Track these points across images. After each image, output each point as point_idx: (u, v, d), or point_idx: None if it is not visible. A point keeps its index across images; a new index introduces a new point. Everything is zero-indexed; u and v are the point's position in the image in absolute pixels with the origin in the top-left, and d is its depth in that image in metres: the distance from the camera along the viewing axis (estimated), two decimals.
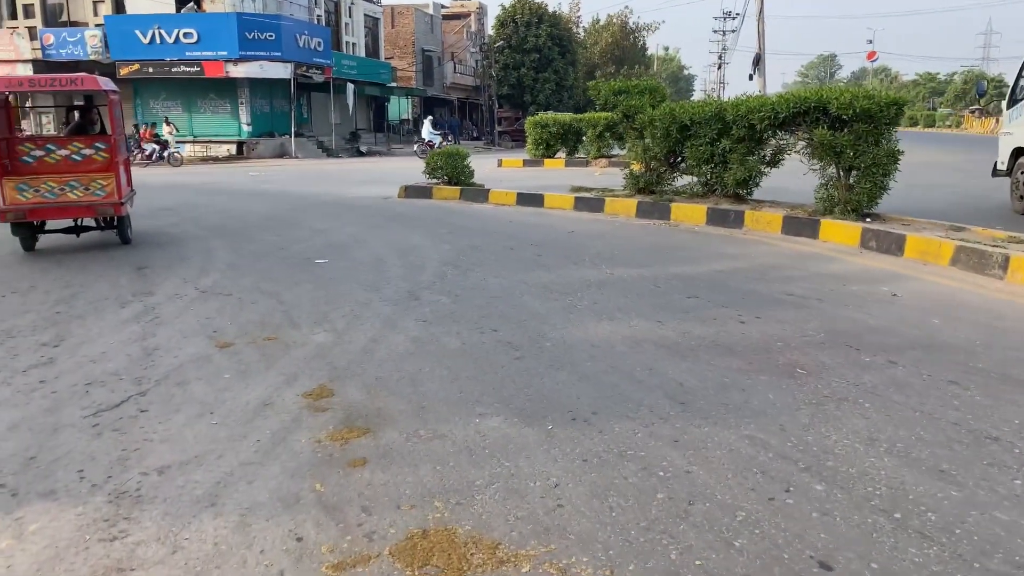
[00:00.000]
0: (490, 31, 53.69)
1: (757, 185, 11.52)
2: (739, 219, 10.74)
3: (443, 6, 61.71)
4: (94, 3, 35.09)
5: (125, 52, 32.89)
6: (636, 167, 13.16)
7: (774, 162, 11.21)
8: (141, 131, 31.13)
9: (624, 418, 4.13)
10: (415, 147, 34.97)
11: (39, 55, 33.59)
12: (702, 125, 11.32)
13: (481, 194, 14.51)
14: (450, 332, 5.84)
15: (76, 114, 10.64)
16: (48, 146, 9.82)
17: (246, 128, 34.78)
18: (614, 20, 67.41)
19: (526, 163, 24.41)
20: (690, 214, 11.36)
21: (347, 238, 10.47)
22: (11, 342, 5.74)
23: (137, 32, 32.73)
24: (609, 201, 12.63)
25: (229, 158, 33.56)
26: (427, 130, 32.53)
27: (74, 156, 9.86)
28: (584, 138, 24.17)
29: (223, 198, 15.80)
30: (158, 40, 32.72)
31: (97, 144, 9.90)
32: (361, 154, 37.46)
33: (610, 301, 6.74)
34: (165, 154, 29.61)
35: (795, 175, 11.54)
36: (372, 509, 3.23)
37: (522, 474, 3.52)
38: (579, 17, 66.31)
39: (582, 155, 24.38)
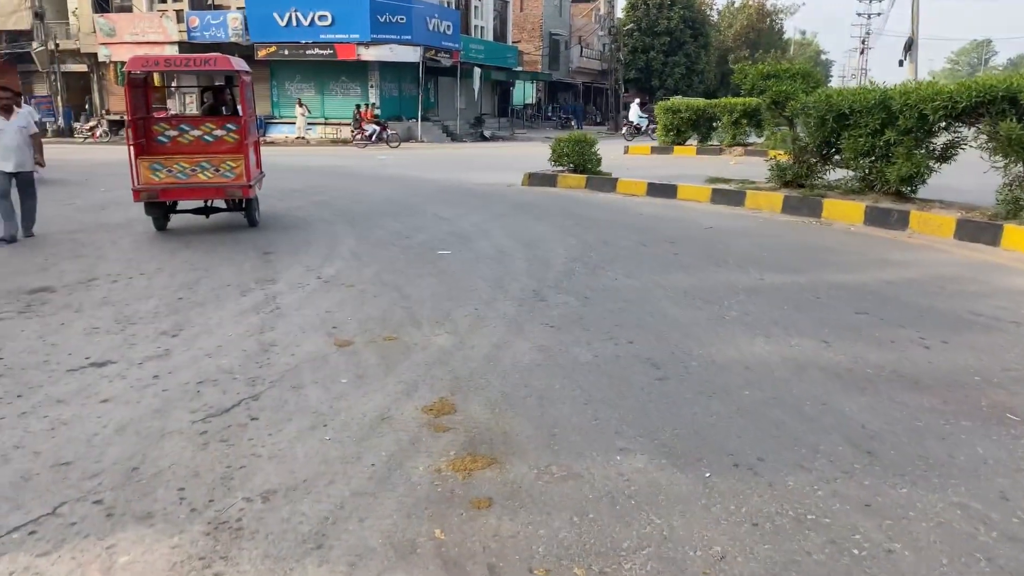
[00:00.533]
0: (620, 14, 52.42)
1: (924, 182, 10.31)
2: (903, 220, 9.60)
3: None
4: None
5: (263, 34, 33.95)
6: (782, 157, 12.12)
7: (945, 157, 9.98)
8: (361, 111, 32.07)
9: (797, 468, 3.45)
10: (623, 130, 34.43)
11: (184, 37, 35.15)
12: (863, 114, 10.20)
13: (608, 183, 13.83)
14: (580, 341, 5.27)
15: (210, 95, 10.72)
16: (182, 126, 9.89)
17: (375, 111, 35.26)
18: (750, 2, 64.54)
19: (654, 150, 23.44)
20: (845, 212, 10.29)
21: (470, 227, 10.07)
22: (132, 328, 5.61)
23: (275, 15, 33.68)
24: (751, 194, 11.68)
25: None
26: (635, 112, 32.09)
27: (206, 137, 9.90)
28: (718, 125, 22.95)
29: (350, 181, 15.82)
30: (294, 23, 33.57)
31: (228, 125, 9.90)
32: (485, 139, 37.36)
33: (763, 313, 5.97)
34: (385, 135, 30.20)
35: (964, 172, 10.24)
36: (499, 569, 2.72)
37: (677, 537, 2.92)
38: (713, 1, 63.84)
39: (715, 143, 23.17)
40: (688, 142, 23.48)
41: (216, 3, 36.93)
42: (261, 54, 34.21)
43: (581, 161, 14.37)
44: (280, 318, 5.86)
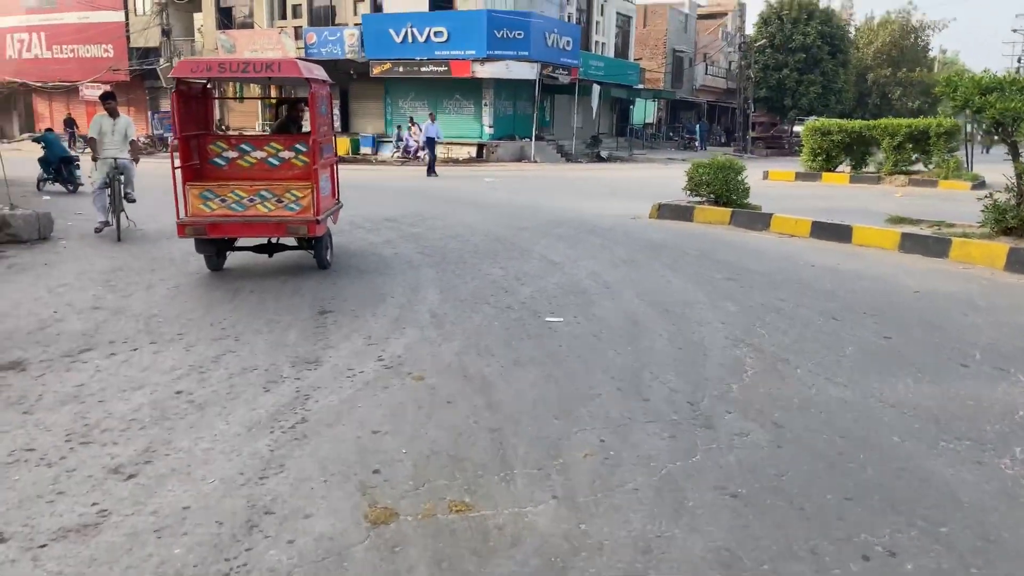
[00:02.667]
0: (750, 29, 49.16)
1: None
2: None
3: (699, 5, 58.00)
4: (355, 2, 35.78)
5: (379, 51, 33.03)
6: (1000, 196, 9.30)
7: None
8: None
9: None
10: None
11: (302, 54, 34.72)
12: None
13: (759, 219, 11.31)
14: (793, 537, 2.96)
15: (285, 109, 8.97)
16: (243, 146, 8.16)
17: (488, 130, 33.71)
18: (892, 17, 59.59)
19: (799, 176, 20.53)
20: None
21: (588, 279, 7.85)
22: (79, 455, 3.70)
23: (391, 31, 32.71)
24: (958, 243, 8.92)
25: (468, 160, 32.60)
26: None
27: (270, 160, 8.14)
28: (876, 150, 19.87)
29: (451, 208, 13.93)
30: (410, 39, 32.47)
31: (297, 146, 8.10)
32: (602, 160, 35.06)
33: None
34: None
35: None
36: None
37: None
38: (851, 15, 59.42)
39: (871, 170, 20.08)
40: (839, 168, 20.46)
41: (336, 20, 36.48)
42: (376, 71, 33.34)
43: (724, 191, 11.91)
44: (300, 446, 3.82)
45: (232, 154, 8.08)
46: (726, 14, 61.37)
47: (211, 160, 8.04)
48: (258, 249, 8.17)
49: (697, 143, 46.56)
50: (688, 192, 12.38)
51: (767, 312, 6.55)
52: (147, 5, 40.05)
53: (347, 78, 36.53)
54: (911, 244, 9.34)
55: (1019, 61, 72.57)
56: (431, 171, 23.06)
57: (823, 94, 47.56)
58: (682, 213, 12.16)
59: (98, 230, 10.43)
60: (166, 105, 41.67)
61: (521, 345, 5.55)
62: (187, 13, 39.74)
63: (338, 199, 8.78)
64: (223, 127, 39.63)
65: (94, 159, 10.52)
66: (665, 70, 50.72)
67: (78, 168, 16.82)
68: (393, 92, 35.54)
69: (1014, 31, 70.23)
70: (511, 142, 33.91)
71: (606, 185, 19.98)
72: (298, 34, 35.37)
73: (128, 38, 39.59)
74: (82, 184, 16.77)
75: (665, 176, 23.40)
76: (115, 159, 10.37)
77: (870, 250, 9.65)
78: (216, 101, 8.27)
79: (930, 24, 60.15)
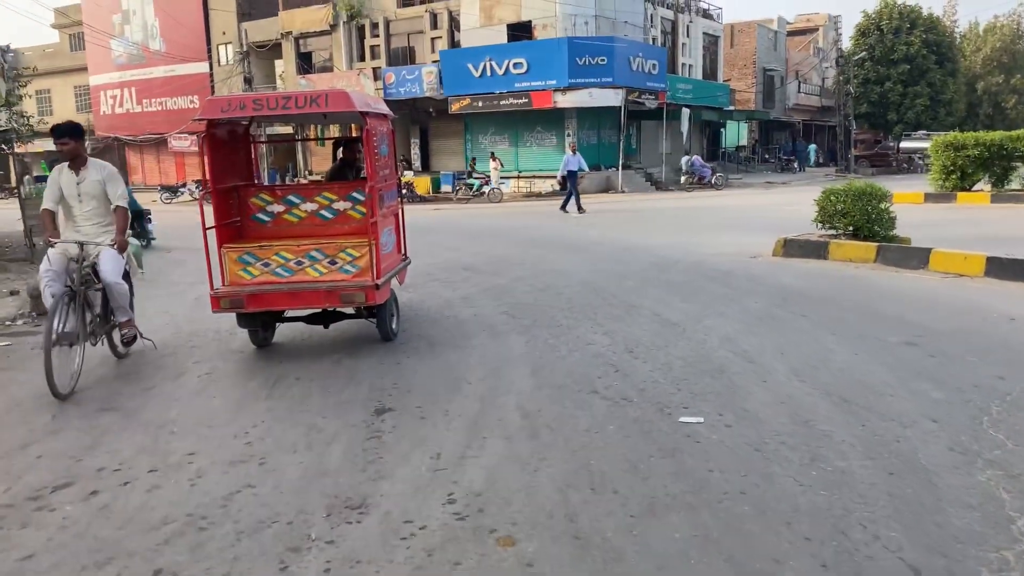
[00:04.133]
0: (847, 42, 46.32)
1: None
2: None
3: (788, 21, 55.43)
4: (431, 40, 35.14)
5: (457, 87, 32.13)
6: None
7: None
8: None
9: None
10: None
11: (381, 94, 34.22)
12: None
13: (913, 256, 9.30)
14: None
15: (341, 151, 7.62)
16: (290, 198, 6.79)
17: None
18: (1001, 22, 55.42)
19: (928, 198, 18.12)
20: None
21: (721, 347, 6.11)
22: None
23: (469, 65, 31.78)
24: None
25: (552, 194, 31.12)
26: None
27: (323, 212, 6.76)
28: (1020, 164, 17.33)
29: (538, 251, 12.39)
30: (488, 73, 31.44)
31: (354, 194, 6.69)
32: (705, 185, 32.97)
33: None
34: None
35: None
36: None
37: None
38: (955, 21, 55.57)
39: (1016, 187, 17.53)
40: (976, 187, 17.97)
41: (414, 59, 35.95)
42: (455, 107, 32.46)
43: (865, 222, 9.94)
44: None
45: (277, 208, 6.73)
46: (817, 29, 58.50)
47: (253, 216, 6.72)
48: (312, 320, 6.75)
49: (796, 164, 43.84)
50: (819, 224, 10.45)
51: (989, 399, 4.67)
52: (230, 55, 40.59)
53: (427, 116, 35.85)
54: None
55: None
56: (578, 207, 19.71)
57: (931, 106, 44.22)
58: (814, 250, 10.23)
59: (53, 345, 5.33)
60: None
61: (652, 469, 3.88)
62: (268, 61, 40.07)
63: (405, 254, 7.34)
64: (307, 172, 39.48)
65: (46, 244, 6.21)
66: (755, 90, 48.30)
67: (150, 222, 16.16)
68: (473, 128, 34.59)
69: None
70: (596, 172, 32.26)
71: (708, 216, 18.07)
72: (377, 75, 34.96)
73: (212, 88, 40.09)
74: (155, 239, 16.07)
75: (771, 203, 21.33)
76: (80, 244, 5.86)
77: None
78: (260, 146, 6.89)
79: None
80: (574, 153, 21.08)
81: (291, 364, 6.19)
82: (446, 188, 33.93)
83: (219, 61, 41.09)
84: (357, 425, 4.69)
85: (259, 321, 6.53)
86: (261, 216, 6.72)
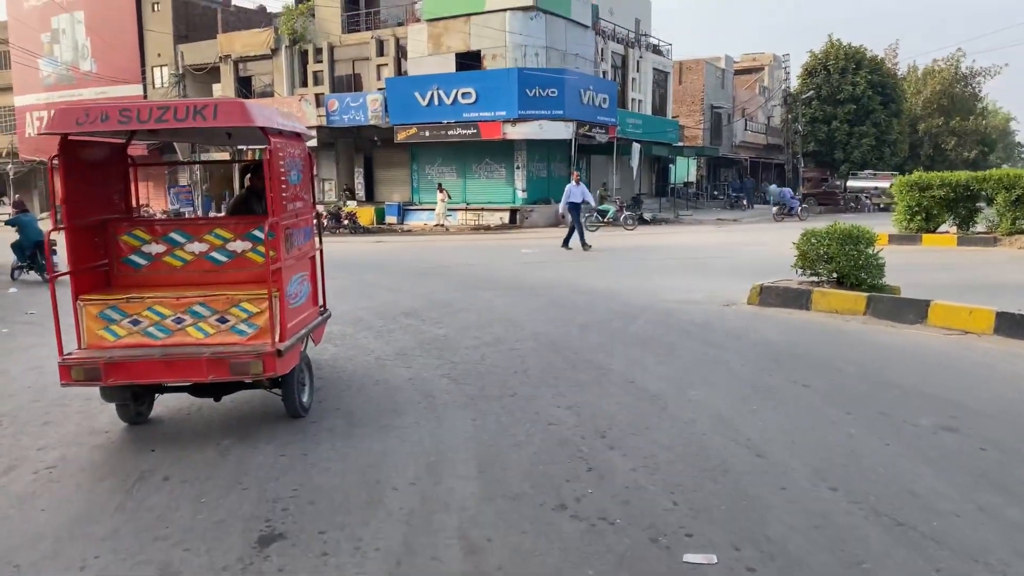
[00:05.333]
0: (795, 81, 46.59)
1: None
2: None
3: (735, 60, 55.92)
4: (378, 67, 33.93)
5: (404, 116, 30.89)
6: None
7: None
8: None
9: None
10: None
11: (324, 121, 32.82)
12: None
13: (909, 308, 8.28)
14: None
15: (248, 178, 6.23)
16: (173, 235, 5.36)
17: (521, 194, 31.18)
18: (940, 65, 56.80)
19: (892, 239, 17.39)
20: None
21: (716, 431, 4.88)
22: None
23: (416, 94, 30.60)
24: None
25: (501, 227, 30.01)
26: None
27: (214, 255, 5.35)
28: (983, 205, 16.78)
29: (488, 294, 11.08)
30: (436, 102, 30.30)
31: (256, 232, 5.31)
32: (645, 223, 32.18)
33: None
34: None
35: None
36: None
37: None
38: (896, 63, 56.69)
39: (981, 230, 16.95)
40: (940, 228, 17.34)
41: (358, 85, 34.67)
42: (401, 136, 31.19)
43: (852, 268, 8.91)
44: None
45: (156, 248, 5.29)
46: (762, 68, 59.16)
47: (125, 259, 5.27)
48: (198, 391, 5.31)
49: (745, 201, 43.59)
50: (800, 270, 9.39)
51: None
52: (166, 77, 38.73)
53: (371, 145, 34.50)
54: None
55: None
56: (579, 243, 17.83)
57: (876, 146, 44.63)
58: (795, 299, 9.16)
59: None
60: (184, 179, 40.02)
61: None
62: (206, 84, 38.33)
63: (324, 306, 5.96)
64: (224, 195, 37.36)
65: None
66: (703, 126, 48.31)
67: (55, 253, 14.40)
68: (419, 158, 33.34)
69: None
70: (546, 206, 31.29)
71: (666, 255, 17.04)
72: (320, 101, 33.53)
73: None
74: (62, 271, 14.32)
75: (728, 242, 20.49)
76: None
77: None
78: (136, 170, 5.48)
79: (981, 71, 57.18)
80: (577, 183, 18.70)
81: (164, 453, 4.73)
82: (391, 219, 32.55)
83: (153, 84, 39.19)
84: (230, 568, 3.29)
85: (128, 393, 5.07)
86: (135, 259, 5.28)
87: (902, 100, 48.14)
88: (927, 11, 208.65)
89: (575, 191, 18.45)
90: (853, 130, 44.11)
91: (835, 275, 9.12)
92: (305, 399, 5.36)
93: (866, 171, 42.77)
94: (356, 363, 6.94)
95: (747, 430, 4.88)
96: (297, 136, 5.44)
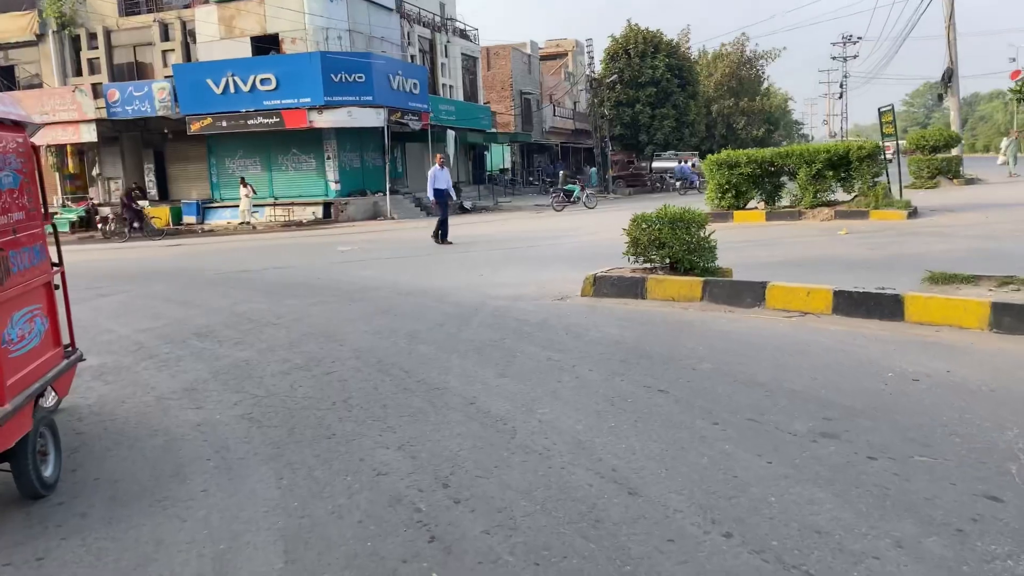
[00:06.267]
0: (598, 66, 47.75)
1: None
2: None
3: (539, 46, 56.67)
4: (163, 53, 30.85)
5: (196, 105, 28.19)
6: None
7: None
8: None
9: None
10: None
11: (104, 114, 29.37)
12: None
13: (745, 292, 8.02)
14: None
15: None
16: None
17: (334, 187, 29.54)
18: (727, 48, 60.73)
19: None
20: None
21: (576, 461, 4.12)
22: None
23: (208, 81, 28.01)
24: None
25: (315, 222, 28.22)
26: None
27: None
28: (790, 181, 17.51)
29: (297, 303, 9.82)
30: (232, 89, 27.90)
31: None
32: (465, 211, 31.57)
33: None
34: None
35: None
36: None
37: None
38: (689, 48, 59.86)
39: (786, 204, 17.69)
40: (749, 204, 17.94)
41: (140, 74, 31.37)
42: (195, 127, 28.47)
43: (685, 253, 8.56)
44: None
45: None
46: (566, 54, 60.43)
47: None
48: None
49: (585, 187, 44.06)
50: (631, 257, 8.94)
51: (998, 542, 3.05)
52: None
53: (161, 138, 31.39)
54: (1011, 320, 6.26)
55: (841, 87, 77.12)
56: (443, 237, 16.40)
57: (677, 127, 46.73)
58: (630, 288, 8.69)
59: None
60: None
61: None
62: None
63: (71, 345, 4.59)
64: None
65: None
66: (514, 113, 48.50)
67: None
68: (217, 150, 30.75)
69: (833, 58, 73.86)
70: (362, 198, 29.91)
71: (490, 246, 16.38)
72: (98, 92, 29.93)
73: None
74: None
75: (550, 228, 20.23)
76: None
77: (945, 332, 6.49)
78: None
79: (763, 54, 61.64)
80: (441, 167, 16.86)
81: None
82: (189, 219, 29.78)
83: None
84: None
85: None
86: None
87: (697, 83, 50.76)
88: None
89: (440, 175, 16.69)
90: (655, 112, 45.90)
91: (667, 260, 8.74)
92: (48, 473, 4.03)
93: (668, 152, 44.63)
94: (130, 407, 5.57)
95: (611, 458, 4.15)
96: (16, 125, 4.05)
